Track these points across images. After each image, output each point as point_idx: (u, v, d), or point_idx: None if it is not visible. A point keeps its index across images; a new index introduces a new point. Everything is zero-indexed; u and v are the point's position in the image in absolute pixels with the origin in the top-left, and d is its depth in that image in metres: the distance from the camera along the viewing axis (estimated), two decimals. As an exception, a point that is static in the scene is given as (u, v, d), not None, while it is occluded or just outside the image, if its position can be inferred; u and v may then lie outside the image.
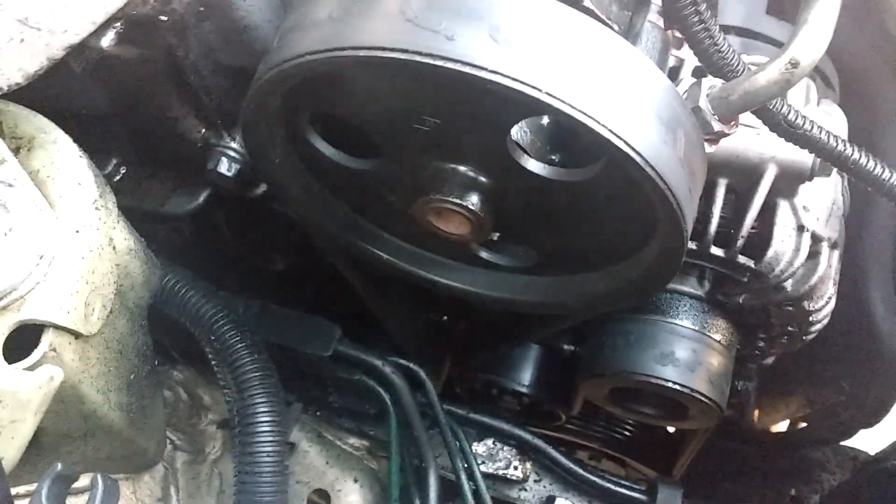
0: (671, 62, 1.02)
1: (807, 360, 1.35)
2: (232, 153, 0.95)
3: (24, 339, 0.64)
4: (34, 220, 0.63)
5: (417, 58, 0.58)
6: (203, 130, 0.94)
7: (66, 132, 0.74)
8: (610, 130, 0.60)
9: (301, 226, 0.97)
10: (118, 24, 0.73)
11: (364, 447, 1.14)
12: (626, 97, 0.61)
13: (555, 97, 0.58)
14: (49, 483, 0.48)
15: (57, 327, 0.63)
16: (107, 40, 0.74)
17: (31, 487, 0.61)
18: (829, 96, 1.23)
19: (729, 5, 1.15)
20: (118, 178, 1.04)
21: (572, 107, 0.59)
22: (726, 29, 1.13)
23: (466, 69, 0.57)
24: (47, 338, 0.63)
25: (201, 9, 0.79)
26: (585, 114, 0.59)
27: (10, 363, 0.62)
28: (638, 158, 0.61)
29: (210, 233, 1.12)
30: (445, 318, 1.33)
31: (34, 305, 0.62)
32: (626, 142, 0.61)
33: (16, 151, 0.68)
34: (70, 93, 0.85)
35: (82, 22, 0.61)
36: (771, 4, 1.15)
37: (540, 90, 0.58)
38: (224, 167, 0.94)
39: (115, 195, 0.85)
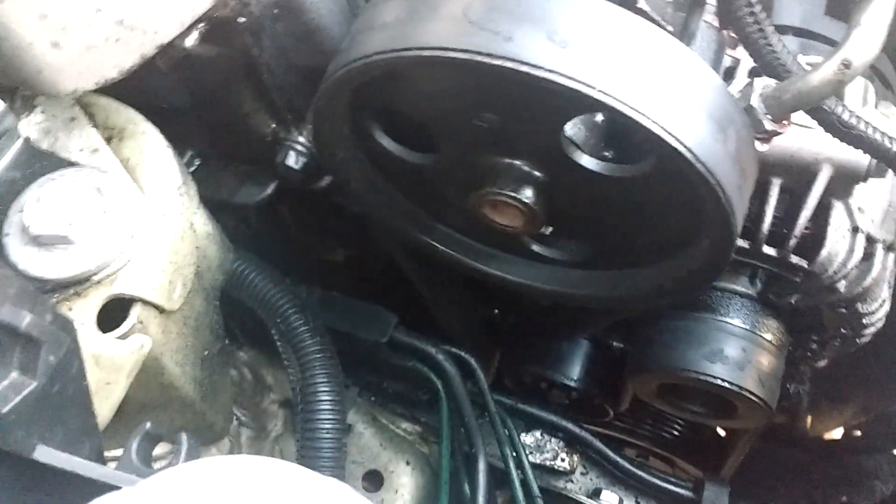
0: (727, 62, 1.03)
1: (862, 366, 1.34)
2: (299, 147, 1.00)
3: (112, 312, 0.71)
4: (126, 204, 0.69)
5: (477, 57, 0.62)
6: (273, 125, 1.00)
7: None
8: (661, 126, 0.63)
9: (362, 218, 1.02)
10: (202, 24, 0.79)
11: (416, 432, 1.18)
12: (678, 95, 0.64)
13: (607, 94, 0.61)
14: (138, 440, 0.53)
15: (145, 302, 0.69)
16: (191, 40, 0.80)
17: (113, 453, 0.68)
18: (889, 98, 1.21)
19: (786, 5, 1.15)
20: (193, 168, 1.10)
21: (624, 104, 0.62)
22: (784, 29, 1.14)
23: (523, 68, 0.61)
24: (136, 311, 0.69)
25: (276, 11, 0.85)
26: (637, 110, 0.62)
27: (103, 333, 0.68)
28: (688, 154, 0.64)
29: (276, 223, 1.18)
30: (497, 311, 1.37)
31: (125, 281, 0.68)
32: (676, 138, 0.63)
33: (108, 140, 0.75)
34: (153, 87, 0.91)
35: (172, 23, 0.67)
36: (830, 5, 1.14)
37: (593, 88, 0.61)
38: (292, 160, 1.00)
39: (190, 185, 0.92)
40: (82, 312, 0.66)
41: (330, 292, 1.14)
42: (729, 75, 1.03)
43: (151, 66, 0.77)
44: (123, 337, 0.68)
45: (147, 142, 0.75)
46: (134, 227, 0.69)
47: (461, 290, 1.23)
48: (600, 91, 0.61)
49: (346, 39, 0.73)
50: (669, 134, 0.63)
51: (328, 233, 1.25)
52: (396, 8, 0.69)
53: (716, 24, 0.94)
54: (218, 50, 0.87)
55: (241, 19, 0.82)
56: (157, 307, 0.71)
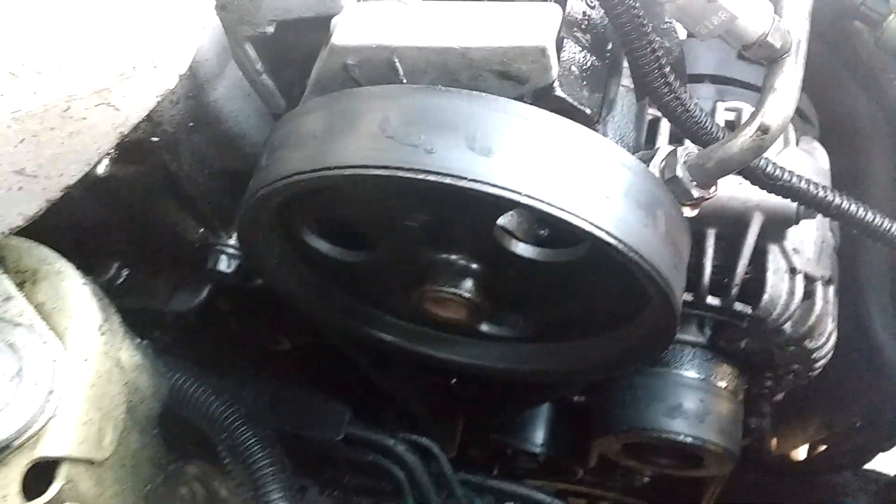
0: (649, 117, 1.04)
1: (820, 385, 1.36)
2: (230, 250, 0.97)
3: (38, 473, 0.66)
4: (42, 357, 0.65)
5: (400, 173, 0.60)
6: (201, 231, 0.97)
7: (67, 244, 0.76)
8: (590, 223, 0.62)
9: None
10: (111, 151, 0.76)
11: (384, 524, 1.14)
12: (603, 188, 0.64)
13: (534, 198, 0.60)
14: None
15: (72, 459, 0.65)
16: (101, 167, 0.77)
17: None
18: (809, 132, 1.25)
19: (701, 54, 1.18)
20: (121, 280, 1.06)
21: (552, 205, 0.61)
22: (700, 77, 1.16)
23: (447, 180, 0.60)
24: (63, 471, 0.65)
25: (191, 124, 0.82)
26: (564, 210, 0.61)
27: (28, 500, 0.63)
28: (620, 245, 0.63)
29: (216, 321, 1.14)
30: (455, 381, 1.34)
31: (48, 442, 0.63)
32: (606, 231, 0.63)
33: (21, 285, 0.71)
34: (69, 211, 0.87)
35: (77, 165, 0.63)
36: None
37: (519, 193, 0.60)
38: (223, 265, 0.97)
39: (120, 297, 0.87)
40: (4, 481, 0.61)
41: (278, 391, 1.09)
42: (652, 131, 1.05)
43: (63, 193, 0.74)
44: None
45: (63, 282, 0.71)
46: (53, 382, 0.64)
47: (415, 369, 1.20)
48: (527, 196, 0.60)
49: (265, 155, 0.71)
50: (600, 229, 0.62)
51: (271, 325, 1.21)
52: (313, 123, 0.67)
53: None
54: (133, 169, 0.84)
55: (155, 139, 0.79)
56: (86, 461, 0.66)
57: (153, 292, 1.05)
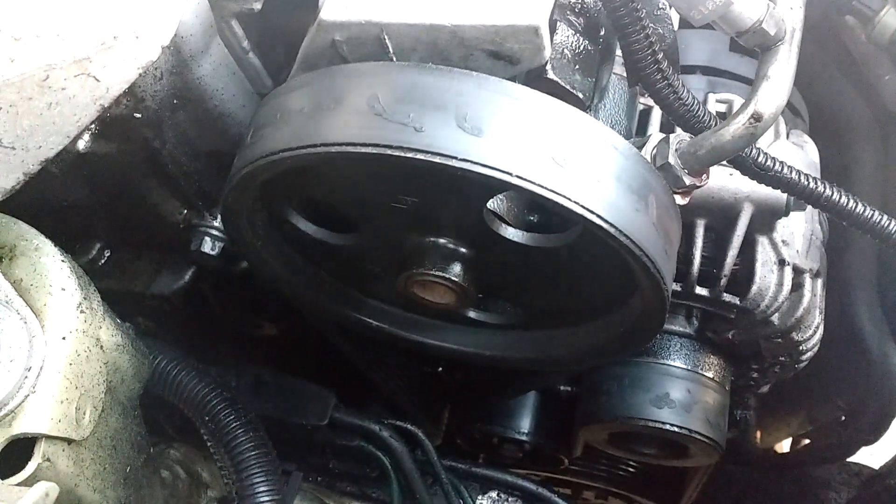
0: (641, 107, 1.04)
1: (805, 379, 1.36)
2: (214, 232, 0.95)
3: (16, 450, 0.64)
4: (20, 333, 0.64)
5: (388, 151, 0.59)
6: (184, 212, 0.95)
7: (49, 223, 0.74)
8: (581, 206, 0.61)
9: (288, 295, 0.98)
10: (92, 125, 0.74)
11: (367, 511, 1.13)
12: (595, 171, 0.63)
13: (525, 179, 0.59)
14: None
15: (50, 437, 0.63)
16: (82, 143, 0.75)
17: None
18: (799, 126, 1.25)
19: (693, 45, 1.17)
20: (103, 261, 1.05)
21: (543, 187, 0.60)
22: (692, 69, 1.16)
23: (437, 159, 0.59)
24: (40, 449, 0.63)
25: (175, 101, 0.81)
26: (556, 192, 0.60)
27: (3, 478, 0.61)
28: (611, 229, 0.63)
29: (199, 305, 1.12)
30: (441, 369, 1.34)
31: (25, 419, 0.62)
32: (598, 215, 0.62)
33: (-2, 262, 0.69)
34: (50, 189, 0.86)
35: (56, 137, 0.62)
36: (734, 41, 1.17)
37: (510, 174, 0.59)
38: (207, 247, 0.95)
39: (102, 278, 0.85)
40: (-21, 460, 0.60)
41: (262, 376, 1.08)
42: (644, 121, 1.04)
43: (43, 171, 0.72)
44: (28, 482, 0.62)
45: (41, 259, 0.69)
46: (30, 359, 0.63)
47: (401, 355, 1.19)
48: (518, 177, 0.59)
49: (251, 132, 0.70)
50: (591, 212, 0.61)
51: (254, 310, 1.19)
52: (300, 99, 0.66)
53: (625, 74, 0.95)
54: (115, 146, 0.82)
55: (137, 115, 0.77)
56: (64, 440, 0.65)
57: (135, 274, 1.03)
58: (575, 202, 0.61)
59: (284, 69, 0.88)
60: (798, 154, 1.08)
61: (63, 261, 0.71)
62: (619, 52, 0.93)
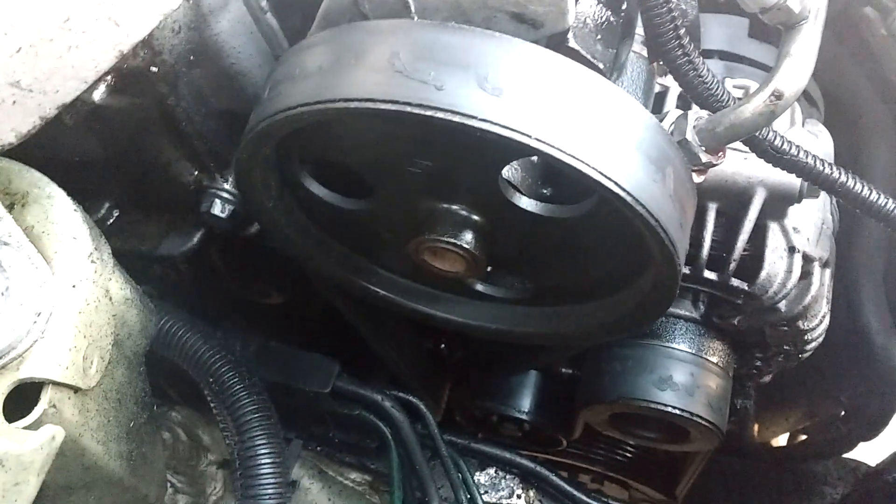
0: (657, 89, 1.03)
1: (806, 373, 1.36)
2: (225, 194, 0.95)
3: (23, 396, 0.64)
4: (30, 278, 0.63)
5: (408, 108, 0.59)
6: (196, 173, 0.95)
7: (59, 179, 0.74)
8: (599, 172, 0.61)
9: (296, 262, 0.97)
10: (109, 77, 0.74)
11: (366, 482, 1.13)
12: (614, 138, 0.62)
13: (544, 142, 0.59)
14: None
15: (56, 383, 0.63)
16: (98, 94, 0.74)
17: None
18: (814, 115, 1.24)
19: (712, 30, 1.17)
20: (112, 220, 1.04)
21: (562, 151, 0.60)
22: (710, 53, 1.15)
23: (456, 118, 0.58)
24: (46, 394, 0.63)
25: (191, 57, 0.80)
26: (575, 157, 0.60)
27: (10, 422, 0.61)
28: (628, 198, 0.62)
29: (206, 270, 1.12)
30: (443, 346, 1.34)
31: (33, 363, 0.62)
32: (615, 182, 0.61)
33: (10, 207, 0.69)
34: (62, 142, 0.85)
35: (74, 82, 0.61)
36: (753, 27, 1.16)
37: (529, 136, 0.59)
38: (217, 209, 0.95)
39: (110, 238, 0.85)
40: (-15, 401, 0.60)
41: (267, 342, 1.08)
42: (660, 102, 1.04)
43: (57, 121, 0.71)
44: (33, 426, 0.62)
45: (53, 207, 0.69)
46: (40, 304, 0.63)
47: (405, 329, 1.19)
48: (537, 139, 0.59)
49: (268, 88, 0.69)
50: (608, 178, 0.61)
51: (262, 277, 1.19)
52: (320, 56, 0.65)
53: (645, 53, 0.94)
54: (130, 101, 0.81)
55: (154, 69, 0.77)
56: (70, 387, 0.65)
57: (144, 235, 1.03)
58: (593, 168, 0.60)
59: (301, 36, 0.88)
60: (812, 142, 1.07)
61: (75, 210, 0.70)
62: (639, 30, 0.93)
